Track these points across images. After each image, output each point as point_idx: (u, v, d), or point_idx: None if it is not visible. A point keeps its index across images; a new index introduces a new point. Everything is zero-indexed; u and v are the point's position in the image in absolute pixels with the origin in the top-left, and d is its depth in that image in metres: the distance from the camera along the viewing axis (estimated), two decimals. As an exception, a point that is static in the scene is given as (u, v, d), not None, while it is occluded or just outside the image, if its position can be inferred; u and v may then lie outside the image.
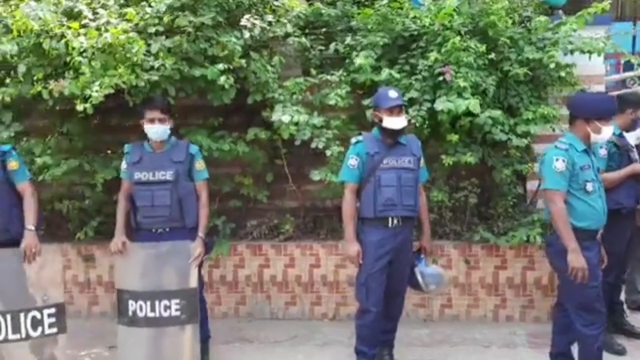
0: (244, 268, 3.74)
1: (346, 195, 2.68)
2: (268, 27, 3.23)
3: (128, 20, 2.72)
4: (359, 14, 3.36)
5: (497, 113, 3.06)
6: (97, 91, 2.55)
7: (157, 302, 2.63)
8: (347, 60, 3.40)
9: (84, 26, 2.63)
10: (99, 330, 3.53)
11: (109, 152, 3.68)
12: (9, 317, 2.56)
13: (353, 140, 2.71)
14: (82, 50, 2.59)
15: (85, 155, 3.41)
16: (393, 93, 2.62)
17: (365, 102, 3.25)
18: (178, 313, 2.64)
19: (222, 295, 3.73)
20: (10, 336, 2.56)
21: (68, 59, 2.89)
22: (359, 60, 3.09)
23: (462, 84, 2.94)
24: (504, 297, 3.56)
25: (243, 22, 3.05)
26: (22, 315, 2.57)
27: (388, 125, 2.56)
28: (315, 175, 3.24)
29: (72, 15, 2.80)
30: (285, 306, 3.74)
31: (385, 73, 3.13)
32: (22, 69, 2.84)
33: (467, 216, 3.59)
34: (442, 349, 3.18)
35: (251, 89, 3.28)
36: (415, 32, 3.36)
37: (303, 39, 3.39)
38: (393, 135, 2.63)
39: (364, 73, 3.18)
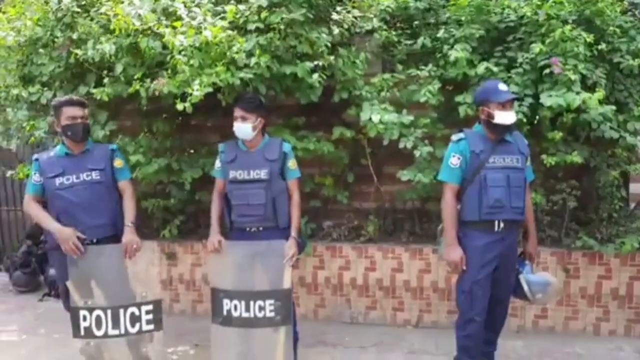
0: (323, 270, 3.66)
1: (446, 197, 2.51)
2: (356, 22, 3.13)
3: (223, 19, 2.69)
4: (452, 5, 3.19)
5: (608, 109, 2.80)
6: (197, 90, 2.53)
7: (251, 302, 2.58)
8: (437, 55, 3.24)
9: (187, 25, 2.63)
10: (182, 328, 3.57)
11: (192, 151, 3.71)
12: (109, 312, 2.59)
13: (454, 137, 2.53)
14: (181, 48, 2.59)
15: (172, 154, 3.44)
16: (503, 86, 2.44)
17: (459, 98, 3.08)
18: (272, 314, 2.58)
19: (301, 297, 3.67)
20: (110, 332, 2.60)
21: (163, 58, 2.95)
22: (456, 53, 2.93)
23: (572, 77, 2.71)
24: (607, 309, 3.28)
25: (334, 17, 2.96)
26: (121, 311, 2.60)
27: (500, 120, 2.36)
28: (404, 175, 3.10)
29: (168, 14, 2.81)
30: (366, 310, 3.62)
31: (482, 67, 2.95)
32: (119, 68, 2.89)
33: (565, 221, 3.34)
34: (544, 363, 2.96)
35: (337, 86, 3.19)
36: (512, 24, 3.16)
37: (390, 34, 3.26)
38: (502, 132, 2.44)
39: (458, 67, 3.01)
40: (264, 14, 2.74)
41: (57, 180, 2.57)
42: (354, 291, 3.63)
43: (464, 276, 2.50)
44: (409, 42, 3.39)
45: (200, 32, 2.60)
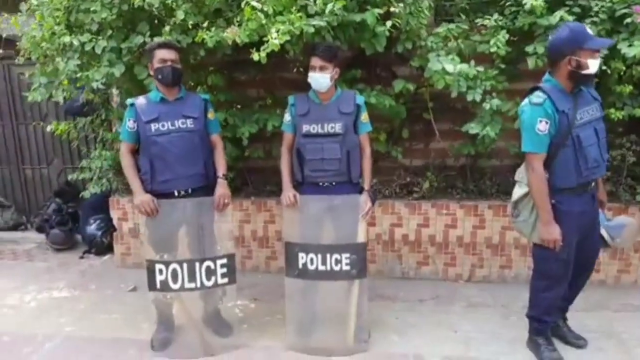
0: (374, 226, 3.65)
1: (537, 169, 2.23)
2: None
3: None
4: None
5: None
6: (275, 38, 2.41)
7: (328, 256, 2.58)
8: (502, 3, 3.12)
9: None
10: (249, 282, 3.58)
11: (239, 106, 3.61)
12: (185, 266, 2.58)
13: (535, 99, 2.22)
14: (254, -6, 2.45)
15: (226, 109, 3.35)
16: (590, 30, 2.28)
17: (529, 48, 2.98)
18: (348, 267, 2.58)
19: (352, 253, 3.68)
20: (187, 285, 2.59)
21: (221, 6, 2.81)
22: (531, 1, 2.81)
23: (653, 26, 2.62)
24: (661, 262, 3.33)
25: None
26: (197, 264, 2.59)
27: (592, 69, 2.20)
28: (472, 129, 3.04)
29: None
30: (417, 266, 3.65)
31: (557, 16, 2.84)
32: (180, 15, 2.74)
33: (623, 176, 3.33)
34: (604, 314, 3.01)
35: (402, 36, 3.07)
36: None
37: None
38: (587, 83, 2.30)
39: (531, 16, 2.90)
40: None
41: (153, 126, 2.51)
42: (405, 247, 3.64)
43: (556, 245, 2.29)
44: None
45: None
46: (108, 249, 4.33)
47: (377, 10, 2.78)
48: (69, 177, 4.52)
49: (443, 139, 3.49)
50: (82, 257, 4.34)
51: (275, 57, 2.68)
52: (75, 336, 2.92)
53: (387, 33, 2.82)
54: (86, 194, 4.02)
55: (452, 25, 3.10)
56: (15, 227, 5.22)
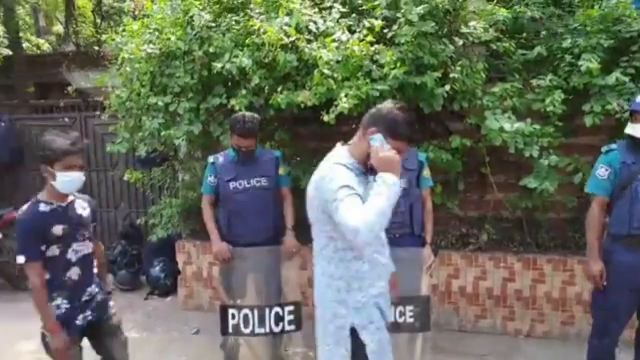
0: (431, 277, 3.68)
1: (593, 209, 2.49)
2: (478, 34, 3.18)
3: (370, 32, 2.79)
4: (583, 12, 3.19)
5: None
6: (345, 102, 2.64)
7: (392, 307, 2.64)
8: (557, 63, 3.25)
9: (333, 40, 2.74)
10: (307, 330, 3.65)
11: (298, 158, 3.83)
12: (256, 311, 2.72)
13: (605, 148, 2.53)
14: (326, 61, 2.70)
15: (289, 163, 3.57)
16: None
17: (585, 107, 3.07)
18: (412, 320, 2.65)
19: (407, 303, 3.71)
20: (257, 330, 2.73)
21: (290, 71, 3.07)
22: (587, 63, 2.93)
23: None
24: None
25: (463, 29, 3.02)
26: (267, 310, 2.73)
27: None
28: (531, 183, 3.10)
29: (307, 30, 2.93)
30: (475, 319, 3.64)
31: (613, 77, 2.94)
32: (255, 80, 3.03)
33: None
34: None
35: (458, 95, 3.24)
36: (635, 33, 3.14)
37: (510, 44, 3.29)
38: None
39: (586, 77, 3.01)
40: (406, 28, 2.81)
41: (232, 185, 2.75)
42: (463, 299, 3.65)
43: (605, 291, 2.45)
44: (522, 51, 3.41)
45: (341, 47, 2.71)
46: (171, 290, 4.54)
47: (435, 74, 2.98)
48: (138, 221, 4.84)
49: (498, 191, 3.56)
50: (146, 299, 4.57)
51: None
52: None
53: (446, 94, 3.00)
54: (153, 237, 4.29)
55: (507, 85, 3.24)
56: (81, 267, 5.55)
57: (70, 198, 2.19)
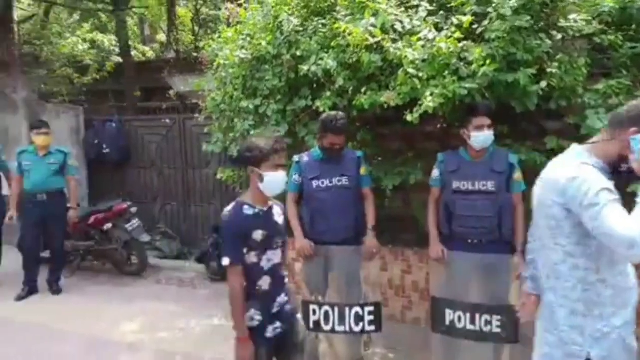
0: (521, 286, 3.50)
1: None
2: (579, 27, 2.95)
3: (458, 29, 2.72)
4: None
5: None
6: (430, 101, 2.60)
7: (477, 315, 2.56)
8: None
9: (419, 39, 2.72)
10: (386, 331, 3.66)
11: (380, 159, 3.82)
12: (336, 309, 2.78)
13: None
14: (411, 61, 2.68)
15: (371, 163, 3.58)
16: None
17: None
18: (499, 330, 2.53)
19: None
20: (337, 327, 2.78)
21: (374, 71, 3.08)
22: None
23: None
24: None
25: (562, 23, 2.82)
26: (347, 309, 2.77)
27: None
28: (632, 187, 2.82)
29: (393, 29, 2.92)
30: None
31: None
32: (340, 82, 3.09)
33: None
34: None
35: (555, 93, 3.03)
36: None
37: (617, 37, 3.01)
38: None
39: None
40: (497, 23, 2.70)
41: (315, 183, 2.85)
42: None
43: None
44: (631, 44, 3.09)
45: (427, 45, 2.67)
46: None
47: (529, 71, 2.81)
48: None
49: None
50: (233, 289, 4.84)
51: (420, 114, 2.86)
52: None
53: (541, 91, 2.82)
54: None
55: (612, 82, 2.97)
56: (178, 257, 6.04)
57: (270, 203, 2.14)
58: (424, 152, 3.58)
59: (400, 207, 3.84)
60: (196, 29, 11.05)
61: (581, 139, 3.06)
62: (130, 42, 10.08)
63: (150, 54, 12.02)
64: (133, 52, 11.00)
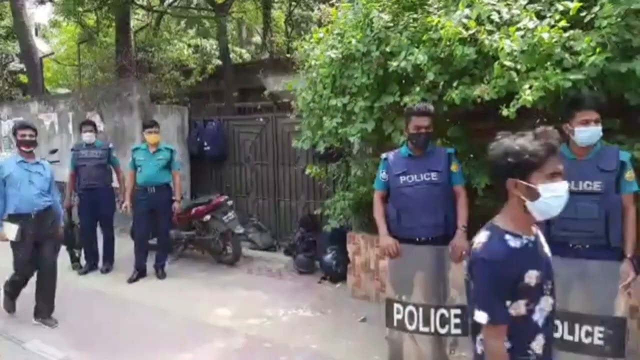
0: (630, 297, 3.15)
1: None
2: None
3: (563, 17, 2.53)
4: None
5: None
6: (529, 95, 2.45)
7: (577, 325, 2.37)
8: None
9: (518, 29, 2.58)
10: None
11: (471, 156, 3.67)
12: (421, 310, 2.73)
13: None
14: (508, 52, 2.54)
15: (462, 160, 3.45)
16: None
17: None
18: (601, 342, 2.32)
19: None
20: (421, 328, 2.74)
21: (467, 64, 2.96)
22: None
23: None
24: None
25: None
26: (432, 310, 2.72)
27: None
28: None
29: (489, 20, 2.80)
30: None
31: None
32: (430, 76, 3.02)
33: None
34: None
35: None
36: None
37: None
38: None
39: None
40: (607, 8, 2.47)
41: (401, 179, 2.85)
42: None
43: None
44: None
45: (527, 35, 2.50)
46: (341, 278, 4.84)
47: (650, 59, 2.52)
48: (315, 211, 5.29)
49: None
50: (319, 282, 4.96)
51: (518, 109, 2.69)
52: (320, 354, 3.38)
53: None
54: (327, 227, 4.63)
55: None
56: (267, 248, 6.32)
57: (535, 229, 1.58)
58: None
59: (493, 206, 3.64)
60: (289, 30, 11.45)
61: None
62: (229, 46, 10.74)
63: (247, 56, 12.69)
64: (231, 55, 11.71)
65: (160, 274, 5.16)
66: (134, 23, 10.58)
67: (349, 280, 4.57)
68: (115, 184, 5.55)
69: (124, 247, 5.57)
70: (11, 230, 3.78)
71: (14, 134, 3.96)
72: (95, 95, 7.37)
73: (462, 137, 3.51)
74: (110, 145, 5.52)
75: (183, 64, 8.87)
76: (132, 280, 5.04)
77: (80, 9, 8.43)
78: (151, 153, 5.01)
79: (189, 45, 10.66)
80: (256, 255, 6.00)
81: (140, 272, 5.10)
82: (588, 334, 2.34)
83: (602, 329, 2.31)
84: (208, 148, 6.67)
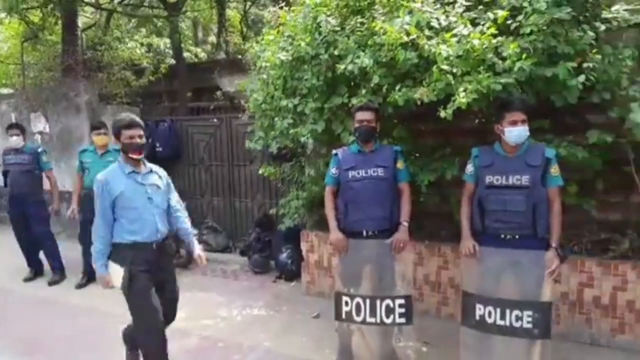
0: (560, 284, 3.41)
1: None
2: (625, 17, 2.85)
3: (493, 24, 2.72)
4: None
5: None
6: (463, 97, 2.61)
7: (507, 311, 2.56)
8: None
9: (454, 35, 2.74)
10: (420, 325, 3.70)
11: (417, 155, 3.84)
12: (368, 301, 2.86)
13: None
14: (445, 57, 2.70)
15: (407, 159, 3.61)
16: None
17: None
18: (530, 326, 2.52)
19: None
20: (368, 319, 2.86)
21: (410, 68, 3.11)
22: None
23: None
24: None
25: (605, 14, 2.74)
26: (378, 301, 2.84)
27: None
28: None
29: (428, 26, 2.95)
30: (612, 333, 3.27)
31: None
32: (375, 79, 3.15)
33: None
34: None
35: (598, 86, 2.94)
36: None
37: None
38: None
39: None
40: (533, 17, 2.67)
41: (350, 173, 2.96)
42: (597, 311, 3.31)
43: None
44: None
45: (462, 41, 2.68)
46: (295, 276, 4.92)
47: (569, 64, 2.75)
48: (270, 211, 5.34)
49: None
50: (274, 281, 5.02)
51: (457, 110, 2.86)
52: (272, 351, 3.44)
53: (582, 85, 2.76)
54: (282, 226, 4.70)
55: (661, 73, 2.85)
56: (223, 250, 6.30)
57: None
58: (461, 148, 3.57)
59: (438, 203, 3.84)
60: (245, 30, 11.40)
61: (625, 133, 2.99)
62: (182, 45, 10.55)
63: (203, 55, 12.52)
64: (186, 54, 11.50)
65: (112, 278, 5.04)
66: (83, 21, 10.20)
67: (303, 278, 4.65)
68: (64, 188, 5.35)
69: (74, 252, 5.40)
70: (117, 274, 2.73)
71: (116, 135, 2.85)
72: (40, 96, 7.09)
73: (407, 137, 3.67)
74: (40, 149, 5.24)
75: (135, 63, 8.67)
76: (81, 286, 4.91)
77: (24, 5, 8.05)
78: (99, 155, 4.89)
79: (142, 44, 10.40)
80: (211, 257, 5.93)
81: (89, 277, 4.97)
82: (518, 318, 2.53)
83: (530, 313, 2.51)
84: (160, 149, 6.56)
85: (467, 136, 3.66)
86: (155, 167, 3.04)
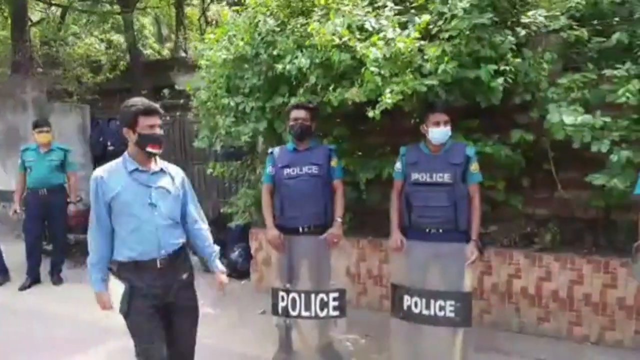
0: (491, 275, 3.60)
1: None
2: (542, 22, 3.03)
3: (416, 29, 2.84)
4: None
5: None
6: (389, 98, 2.73)
7: (432, 301, 2.69)
8: (636, 51, 2.97)
9: (381, 38, 2.84)
10: (353, 318, 3.81)
11: (360, 153, 3.96)
12: (302, 296, 2.94)
13: None
14: (373, 59, 2.80)
15: (348, 157, 3.72)
16: None
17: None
18: (452, 314, 2.66)
19: (467, 301, 3.66)
20: (303, 313, 2.94)
21: (347, 69, 3.20)
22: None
23: None
24: None
25: (524, 19, 2.91)
26: (312, 295, 2.93)
27: None
28: (596, 180, 2.90)
29: (360, 29, 3.05)
30: (538, 321, 3.47)
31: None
32: (312, 79, 3.24)
33: None
34: None
35: (519, 88, 3.12)
36: None
37: (582, 32, 3.08)
38: None
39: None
40: (455, 22, 2.81)
41: (285, 171, 3.02)
42: (525, 300, 3.50)
43: None
44: (599, 39, 3.16)
45: (390, 44, 2.79)
46: (247, 274, 4.95)
47: (491, 67, 2.91)
48: (221, 210, 5.35)
49: (570, 188, 3.35)
50: (225, 280, 5.03)
51: (394, 110, 2.98)
52: (217, 348, 3.46)
53: (501, 87, 2.92)
54: (232, 225, 4.72)
55: (576, 75, 3.05)
56: (178, 249, 6.25)
57: None
58: (399, 147, 3.70)
59: (379, 200, 3.96)
60: (204, 27, 11.31)
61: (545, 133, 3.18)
62: (142, 42, 10.39)
63: (166, 53, 12.33)
64: (148, 52, 11.30)
65: (56, 279, 4.96)
66: (38, 16, 9.88)
67: (252, 276, 4.70)
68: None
69: (19, 254, 5.25)
70: (117, 294, 2.22)
71: (130, 125, 2.24)
72: (-15, 93, 6.85)
73: (347, 136, 3.77)
74: None
75: (93, 60, 8.46)
76: (24, 288, 4.80)
77: (-29, 0, 7.76)
78: (42, 153, 4.79)
79: (102, 40, 10.16)
80: (164, 256, 5.92)
81: (33, 279, 4.86)
82: (441, 308, 2.67)
83: (452, 302, 2.65)
84: (112, 147, 6.46)
85: (405, 136, 3.77)
86: (170, 167, 2.42)
